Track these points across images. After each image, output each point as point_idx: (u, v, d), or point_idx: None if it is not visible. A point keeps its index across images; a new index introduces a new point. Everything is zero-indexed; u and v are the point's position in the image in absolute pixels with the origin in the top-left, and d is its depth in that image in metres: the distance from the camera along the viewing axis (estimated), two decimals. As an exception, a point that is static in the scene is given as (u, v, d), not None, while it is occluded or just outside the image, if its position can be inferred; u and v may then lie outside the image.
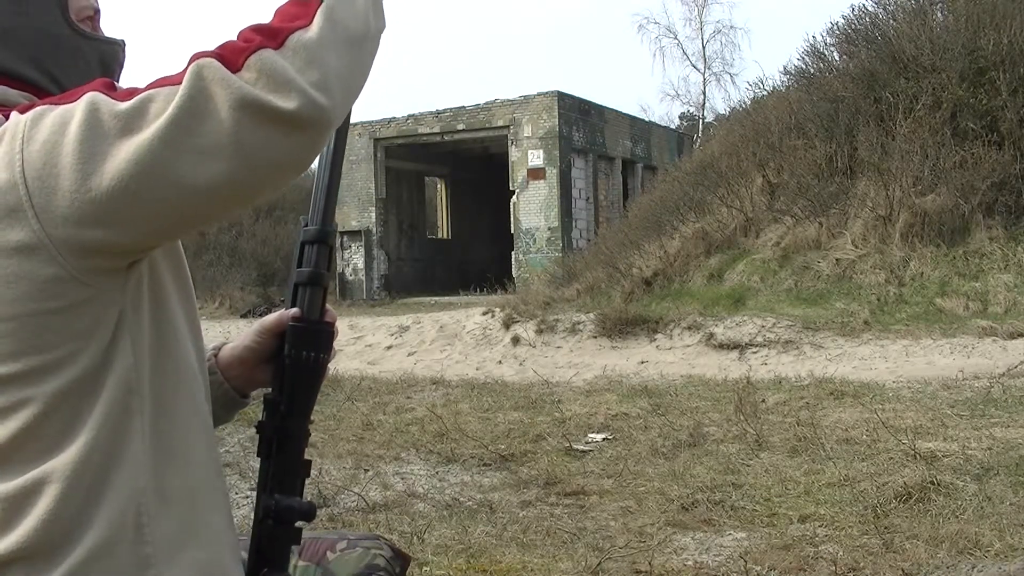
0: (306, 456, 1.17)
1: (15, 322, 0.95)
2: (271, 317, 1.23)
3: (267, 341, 1.22)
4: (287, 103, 0.90)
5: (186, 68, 0.92)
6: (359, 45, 0.99)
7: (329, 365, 1.20)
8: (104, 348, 0.99)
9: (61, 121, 0.93)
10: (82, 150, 0.91)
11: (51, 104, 0.96)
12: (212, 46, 0.94)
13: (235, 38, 0.95)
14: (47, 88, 1.09)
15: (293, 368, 1.14)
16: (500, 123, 23.39)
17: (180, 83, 0.91)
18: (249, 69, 0.91)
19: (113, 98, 0.93)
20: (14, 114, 0.98)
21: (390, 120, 24.81)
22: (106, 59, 1.16)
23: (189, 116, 0.89)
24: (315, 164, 1.19)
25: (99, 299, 0.97)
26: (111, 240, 0.94)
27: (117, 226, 0.93)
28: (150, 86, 0.94)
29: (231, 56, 0.92)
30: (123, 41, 1.19)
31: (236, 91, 0.89)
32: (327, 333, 1.16)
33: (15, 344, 0.96)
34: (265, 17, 0.99)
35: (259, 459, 1.16)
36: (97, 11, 1.17)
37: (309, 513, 1.13)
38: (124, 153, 0.90)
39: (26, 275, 0.94)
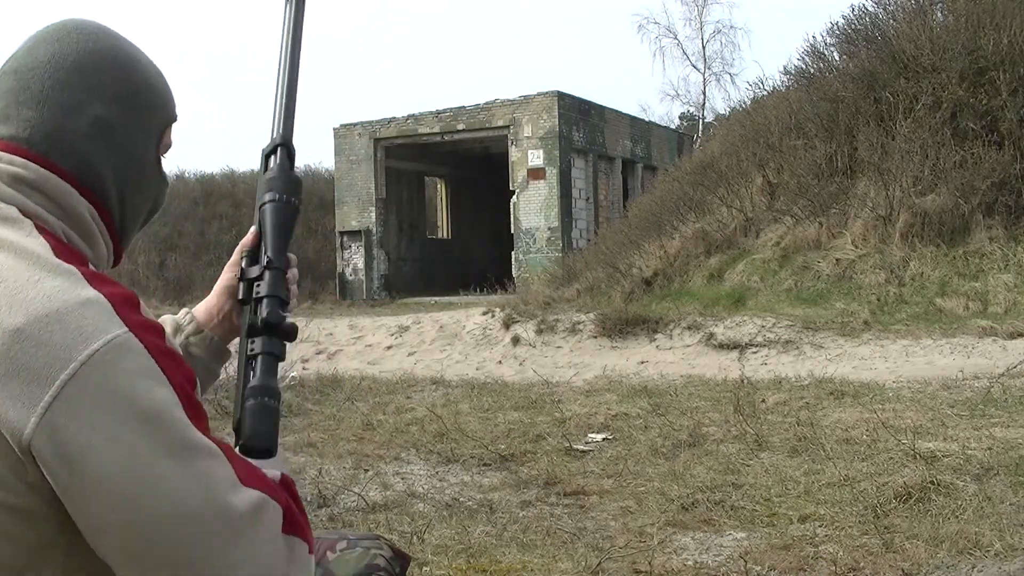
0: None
1: None
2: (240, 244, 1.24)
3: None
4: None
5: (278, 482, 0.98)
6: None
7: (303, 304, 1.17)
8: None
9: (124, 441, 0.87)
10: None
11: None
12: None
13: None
14: (108, 202, 1.06)
15: (268, 211, 1.17)
16: (500, 123, 23.37)
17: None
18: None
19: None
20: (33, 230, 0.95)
21: (390, 120, 24.79)
22: (159, 200, 1.17)
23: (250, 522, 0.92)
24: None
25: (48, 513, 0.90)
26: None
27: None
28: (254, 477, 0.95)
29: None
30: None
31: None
32: (296, 182, 1.19)
33: None
34: None
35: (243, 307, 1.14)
36: (169, 148, 1.18)
37: (291, 332, 1.09)
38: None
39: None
